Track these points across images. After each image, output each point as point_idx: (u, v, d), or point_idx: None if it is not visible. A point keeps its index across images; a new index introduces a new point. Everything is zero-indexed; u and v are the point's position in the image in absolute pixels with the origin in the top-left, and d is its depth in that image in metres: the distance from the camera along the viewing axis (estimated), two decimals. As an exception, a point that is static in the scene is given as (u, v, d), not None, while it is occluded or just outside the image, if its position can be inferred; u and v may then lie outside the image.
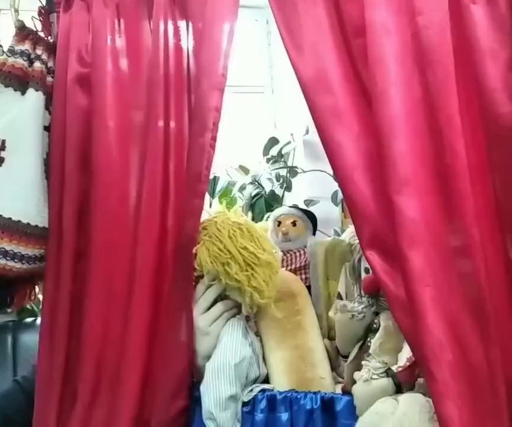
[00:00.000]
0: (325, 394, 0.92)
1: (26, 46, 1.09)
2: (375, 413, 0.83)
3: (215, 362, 0.97)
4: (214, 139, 0.98)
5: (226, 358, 0.96)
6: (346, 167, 0.83)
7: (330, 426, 0.90)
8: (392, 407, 0.83)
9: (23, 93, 1.07)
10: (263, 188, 2.20)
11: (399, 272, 0.80)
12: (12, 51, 1.08)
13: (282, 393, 0.94)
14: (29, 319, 1.62)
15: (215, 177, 2.38)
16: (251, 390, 0.97)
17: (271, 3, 0.93)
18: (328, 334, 1.07)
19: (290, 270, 1.13)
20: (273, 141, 2.19)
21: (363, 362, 0.90)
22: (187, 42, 1.06)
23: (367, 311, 0.94)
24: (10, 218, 1.04)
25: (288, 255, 1.16)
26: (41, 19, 1.14)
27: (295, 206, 1.23)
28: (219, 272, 0.98)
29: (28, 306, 1.59)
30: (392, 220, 0.80)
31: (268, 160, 2.22)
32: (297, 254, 1.15)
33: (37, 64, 1.09)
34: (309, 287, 1.11)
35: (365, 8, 0.85)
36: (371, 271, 0.97)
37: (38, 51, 1.10)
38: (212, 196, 2.40)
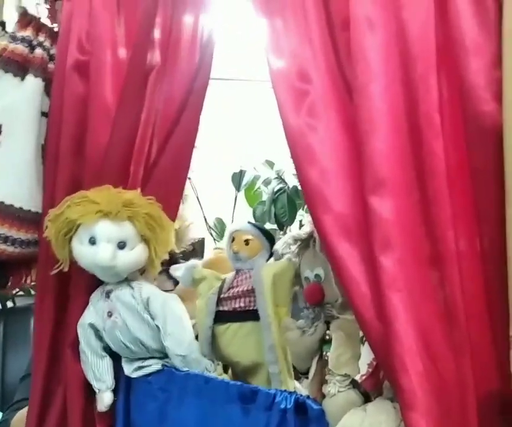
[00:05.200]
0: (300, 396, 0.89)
1: (28, 33, 1.10)
2: None
3: None
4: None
5: None
6: (317, 164, 0.80)
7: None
8: (359, 419, 0.80)
9: (22, 78, 1.09)
10: (286, 183, 2.17)
11: (370, 273, 0.77)
12: (13, 37, 1.10)
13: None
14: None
15: (241, 170, 2.36)
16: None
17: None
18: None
19: (238, 292, 1.03)
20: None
21: (327, 377, 0.87)
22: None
23: (317, 323, 0.91)
24: (2, 202, 1.05)
25: (239, 275, 1.05)
26: (48, 6, 1.16)
27: (254, 224, 1.12)
28: None
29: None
30: (366, 221, 0.77)
31: (293, 155, 2.18)
32: (248, 275, 1.04)
33: (38, 51, 1.11)
34: (256, 312, 1.00)
35: (350, 1, 0.82)
36: (311, 280, 0.95)
37: (41, 38, 1.12)
38: (238, 189, 2.39)
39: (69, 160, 1.08)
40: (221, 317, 1.04)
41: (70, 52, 1.10)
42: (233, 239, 1.07)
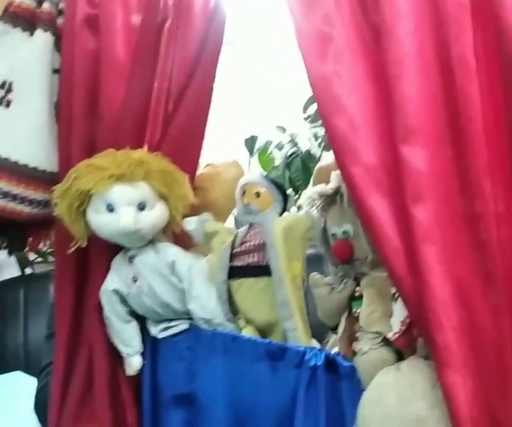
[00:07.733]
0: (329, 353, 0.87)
1: (34, -14, 1.06)
2: (376, 387, 0.78)
3: None
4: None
5: None
6: (345, 113, 0.76)
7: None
8: (393, 378, 0.77)
9: (31, 34, 1.05)
10: (299, 147, 2.15)
11: (403, 226, 0.74)
12: (19, -9, 1.05)
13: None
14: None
15: (252, 136, 2.35)
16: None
17: None
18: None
19: (251, 246, 0.98)
20: (313, 99, 2.13)
21: (357, 335, 0.84)
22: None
23: (346, 280, 0.88)
24: (17, 162, 1.03)
25: (252, 229, 1.00)
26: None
27: (266, 175, 1.06)
28: None
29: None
30: (397, 172, 0.73)
31: (306, 119, 2.16)
32: (261, 229, 0.99)
33: (46, 5, 1.06)
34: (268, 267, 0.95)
35: None
36: (338, 237, 0.91)
37: (48, -9, 1.07)
38: (251, 154, 2.38)
39: (83, 119, 1.05)
40: (235, 273, 0.99)
41: (80, 6, 1.06)
42: (244, 192, 1.03)
